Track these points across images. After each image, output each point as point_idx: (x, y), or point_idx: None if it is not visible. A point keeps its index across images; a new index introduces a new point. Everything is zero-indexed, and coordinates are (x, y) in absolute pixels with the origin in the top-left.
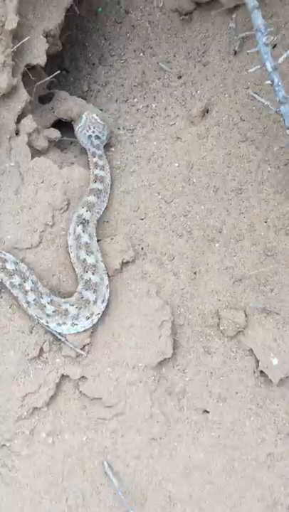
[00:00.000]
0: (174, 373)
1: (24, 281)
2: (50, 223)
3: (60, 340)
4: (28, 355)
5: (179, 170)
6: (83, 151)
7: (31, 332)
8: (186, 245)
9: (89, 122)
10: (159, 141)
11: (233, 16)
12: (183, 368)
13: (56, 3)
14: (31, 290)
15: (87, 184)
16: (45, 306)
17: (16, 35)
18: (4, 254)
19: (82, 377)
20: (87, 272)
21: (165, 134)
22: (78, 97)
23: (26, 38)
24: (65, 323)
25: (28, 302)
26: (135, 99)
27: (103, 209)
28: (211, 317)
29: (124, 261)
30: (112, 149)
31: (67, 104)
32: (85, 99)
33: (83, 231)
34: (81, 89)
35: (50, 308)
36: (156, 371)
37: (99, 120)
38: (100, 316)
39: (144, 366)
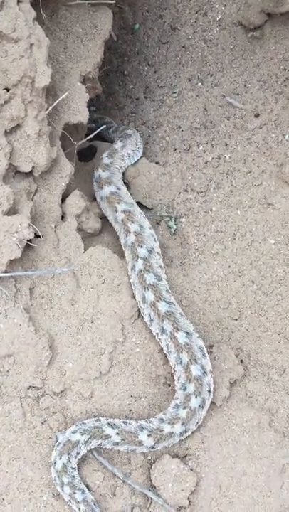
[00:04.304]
0: None
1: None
2: (121, 339)
3: (151, 501)
4: None
5: (277, 248)
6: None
7: (114, 494)
8: None
9: None
10: (243, 209)
11: None
12: None
13: (92, 35)
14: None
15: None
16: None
17: (49, 90)
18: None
19: None
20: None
21: (250, 199)
22: None
23: (65, 94)
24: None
25: None
26: (200, 147)
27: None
28: None
29: (232, 381)
30: (183, 220)
31: None
32: None
33: None
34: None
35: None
36: None
37: None
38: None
39: None
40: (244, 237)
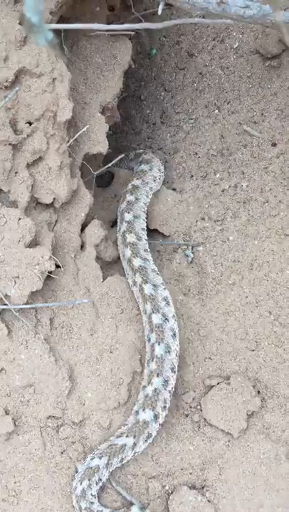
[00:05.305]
0: None
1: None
2: (139, 369)
3: None
4: None
5: None
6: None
7: None
8: None
9: None
10: (261, 239)
11: None
12: None
13: (111, 66)
14: None
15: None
16: None
17: (70, 122)
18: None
19: None
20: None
21: (268, 229)
22: None
23: (86, 127)
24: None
25: None
26: (217, 175)
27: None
28: None
29: (249, 413)
30: (200, 249)
31: None
32: None
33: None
34: None
35: None
36: None
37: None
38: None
39: None
40: (261, 268)
